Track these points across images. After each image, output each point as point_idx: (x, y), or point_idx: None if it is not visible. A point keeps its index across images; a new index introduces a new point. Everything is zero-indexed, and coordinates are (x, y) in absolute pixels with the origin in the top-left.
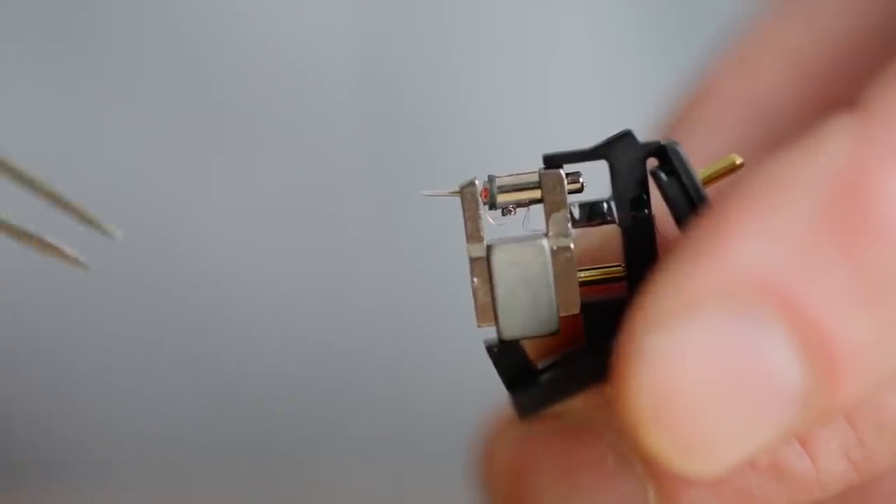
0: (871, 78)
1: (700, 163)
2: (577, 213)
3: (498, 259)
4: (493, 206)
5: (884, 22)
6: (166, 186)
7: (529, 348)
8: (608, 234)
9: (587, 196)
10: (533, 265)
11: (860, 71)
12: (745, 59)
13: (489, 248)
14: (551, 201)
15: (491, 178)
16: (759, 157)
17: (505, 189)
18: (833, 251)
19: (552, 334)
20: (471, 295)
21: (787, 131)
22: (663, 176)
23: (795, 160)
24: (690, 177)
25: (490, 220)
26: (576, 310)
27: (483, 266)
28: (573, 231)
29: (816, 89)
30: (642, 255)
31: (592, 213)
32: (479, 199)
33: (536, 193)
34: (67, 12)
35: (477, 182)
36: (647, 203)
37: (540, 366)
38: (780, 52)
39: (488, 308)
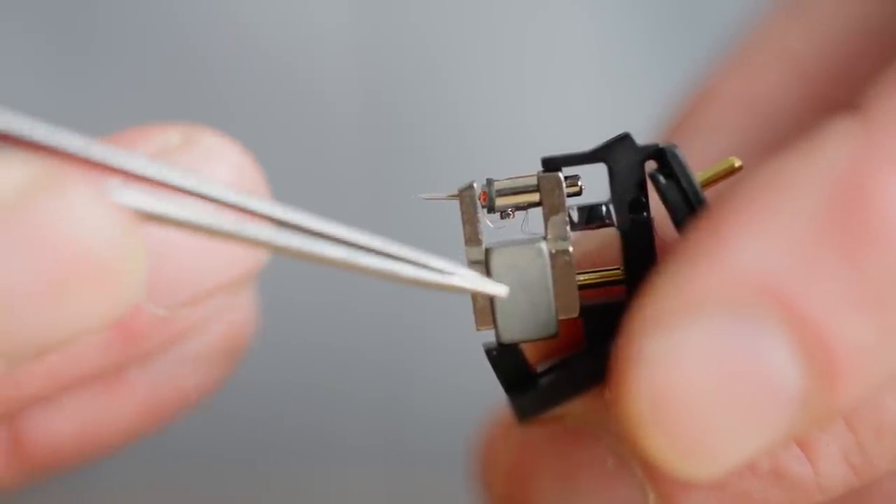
0: (871, 80)
1: (701, 164)
2: (575, 217)
3: (496, 262)
4: (491, 209)
5: (883, 23)
6: None
7: (528, 352)
8: (607, 238)
9: (586, 199)
10: (531, 268)
11: (860, 72)
12: (746, 62)
13: (488, 252)
14: (550, 204)
15: (489, 182)
16: (760, 158)
17: (503, 192)
18: (833, 254)
19: (551, 337)
20: (469, 298)
21: (787, 133)
22: (662, 179)
23: (796, 162)
24: (689, 179)
25: (489, 223)
26: (575, 313)
27: (481, 269)
28: (572, 234)
29: (817, 91)
30: (641, 258)
31: (591, 217)
32: (477, 202)
33: (535, 197)
34: (70, 16)
35: (475, 185)
36: (646, 206)
37: (539, 369)
38: (781, 54)
39: (487, 311)
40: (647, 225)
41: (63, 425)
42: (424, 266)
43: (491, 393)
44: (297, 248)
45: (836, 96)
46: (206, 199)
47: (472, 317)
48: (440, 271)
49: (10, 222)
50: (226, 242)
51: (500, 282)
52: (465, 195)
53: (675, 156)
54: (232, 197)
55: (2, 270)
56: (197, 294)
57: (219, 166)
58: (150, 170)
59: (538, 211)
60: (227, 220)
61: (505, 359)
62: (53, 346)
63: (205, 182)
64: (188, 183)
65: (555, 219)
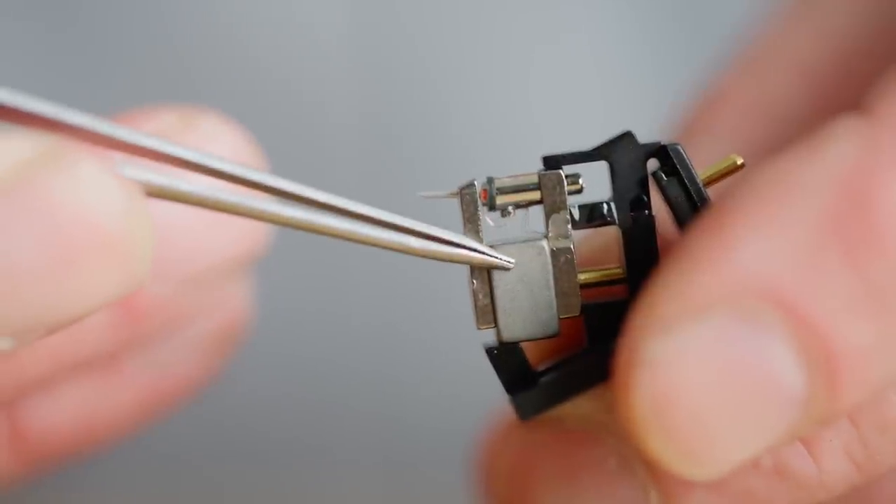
0: (875, 80)
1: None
2: (577, 215)
3: None
4: (492, 207)
5: (891, 25)
6: None
7: (529, 352)
8: (609, 236)
9: (587, 197)
10: (533, 266)
11: (870, 75)
12: (755, 66)
13: None
14: (551, 202)
15: (490, 180)
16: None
17: (504, 190)
18: (837, 259)
19: (552, 336)
20: (470, 297)
21: (796, 136)
22: (664, 176)
23: (799, 163)
24: (691, 177)
25: (489, 221)
26: (576, 312)
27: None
28: (573, 232)
29: (826, 93)
30: (643, 257)
31: (593, 215)
32: (478, 200)
33: (536, 195)
34: (67, 15)
35: (476, 183)
36: (648, 204)
37: (540, 369)
38: (790, 57)
39: (488, 310)
40: (649, 223)
41: (62, 414)
42: (432, 238)
43: (488, 398)
44: (305, 220)
45: (846, 99)
46: (212, 174)
47: (471, 318)
48: (448, 242)
49: (16, 197)
50: (232, 216)
51: (502, 280)
52: (465, 193)
53: (678, 152)
54: (237, 171)
55: (9, 247)
56: (198, 272)
57: (218, 147)
58: (155, 144)
59: (539, 209)
60: (233, 194)
61: (506, 358)
62: (62, 323)
63: (211, 156)
64: (193, 157)
65: (556, 217)
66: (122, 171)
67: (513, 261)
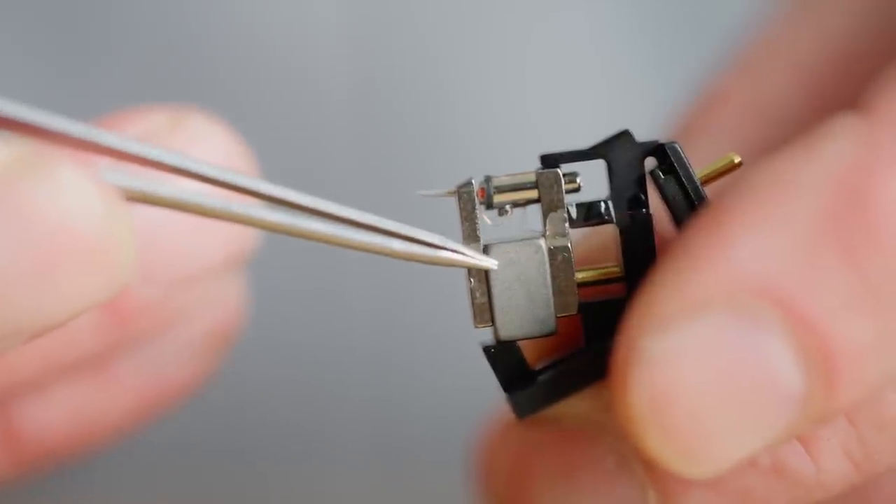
0: (873, 78)
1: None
2: (574, 213)
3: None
4: (489, 206)
5: (890, 25)
6: None
7: (527, 351)
8: (606, 235)
9: (585, 196)
10: (530, 265)
11: (867, 76)
12: (754, 66)
13: (486, 249)
14: (548, 201)
15: (488, 178)
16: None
17: (502, 189)
18: (834, 256)
19: (549, 335)
20: (467, 295)
21: (794, 136)
22: (661, 175)
23: (797, 160)
24: (689, 175)
25: (487, 220)
26: (573, 310)
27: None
28: (571, 231)
29: (824, 94)
30: (640, 255)
31: (590, 213)
32: (475, 199)
33: (533, 193)
34: (65, 12)
35: (474, 182)
36: (645, 202)
37: (537, 367)
38: (789, 57)
39: (485, 308)
40: (647, 222)
41: (55, 416)
42: (414, 240)
43: (486, 393)
44: (287, 224)
45: (844, 99)
46: (195, 178)
47: (469, 315)
48: (430, 245)
49: None
50: (215, 221)
51: (499, 278)
52: (463, 192)
53: (676, 151)
54: (220, 175)
55: None
56: (188, 274)
57: (207, 148)
58: (138, 149)
59: (537, 207)
60: (217, 199)
61: (503, 356)
62: (46, 328)
63: (193, 161)
64: (176, 162)
65: (553, 215)
66: (102, 177)
67: (495, 262)
